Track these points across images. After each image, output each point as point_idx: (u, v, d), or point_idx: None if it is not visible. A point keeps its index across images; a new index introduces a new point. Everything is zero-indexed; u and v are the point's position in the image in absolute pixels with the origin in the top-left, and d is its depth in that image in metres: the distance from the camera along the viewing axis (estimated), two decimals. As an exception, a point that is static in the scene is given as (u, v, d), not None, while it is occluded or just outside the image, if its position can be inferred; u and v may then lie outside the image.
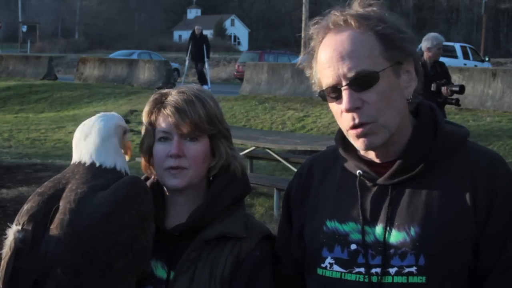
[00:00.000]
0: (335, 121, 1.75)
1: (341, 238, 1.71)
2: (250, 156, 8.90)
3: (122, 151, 1.86)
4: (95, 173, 1.78)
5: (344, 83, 1.63)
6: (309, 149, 7.64)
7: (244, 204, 1.98)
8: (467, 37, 60.89)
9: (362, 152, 1.75)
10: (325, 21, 1.69)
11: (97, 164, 1.79)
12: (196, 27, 21.13)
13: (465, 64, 23.16)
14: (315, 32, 1.70)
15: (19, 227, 1.72)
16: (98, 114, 1.87)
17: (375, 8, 1.67)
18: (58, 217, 1.70)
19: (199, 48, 20.58)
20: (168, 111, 1.85)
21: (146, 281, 1.84)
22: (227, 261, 1.82)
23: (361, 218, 1.69)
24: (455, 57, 24.54)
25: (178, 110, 1.84)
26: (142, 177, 1.95)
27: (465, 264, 1.61)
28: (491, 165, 1.66)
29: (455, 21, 79.15)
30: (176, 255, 1.85)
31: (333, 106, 1.69)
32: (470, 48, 27.74)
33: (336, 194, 1.77)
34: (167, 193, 1.93)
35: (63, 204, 1.71)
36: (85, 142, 1.82)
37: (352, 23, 1.64)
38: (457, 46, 26.38)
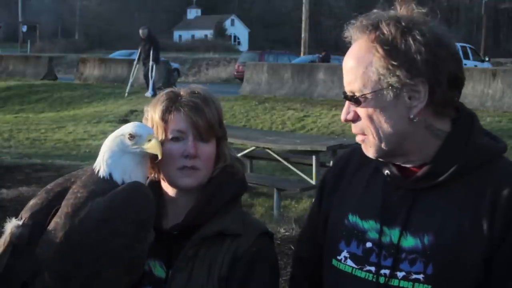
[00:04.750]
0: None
1: (359, 234, 1.73)
2: (250, 156, 8.87)
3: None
4: (99, 178, 1.77)
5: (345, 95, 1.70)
6: (309, 149, 7.63)
7: (241, 202, 1.98)
8: (467, 37, 60.80)
9: None
10: (355, 25, 1.69)
11: (102, 175, 1.78)
12: (140, 29, 19.21)
13: (465, 64, 23.12)
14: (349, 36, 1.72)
15: (19, 222, 1.72)
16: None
17: (417, 16, 1.65)
18: (54, 220, 1.69)
19: (145, 51, 18.97)
20: (186, 110, 1.86)
21: (145, 281, 1.84)
22: (225, 258, 1.82)
23: (381, 218, 1.70)
24: (455, 57, 24.45)
25: (197, 109, 1.85)
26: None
27: (474, 279, 1.59)
28: None
29: (455, 21, 79.10)
30: (175, 254, 1.85)
31: None
32: (470, 48, 27.70)
33: (364, 190, 1.79)
34: (168, 193, 1.93)
35: (62, 206, 1.71)
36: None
37: (367, 33, 1.65)
38: (457, 46, 26.27)
